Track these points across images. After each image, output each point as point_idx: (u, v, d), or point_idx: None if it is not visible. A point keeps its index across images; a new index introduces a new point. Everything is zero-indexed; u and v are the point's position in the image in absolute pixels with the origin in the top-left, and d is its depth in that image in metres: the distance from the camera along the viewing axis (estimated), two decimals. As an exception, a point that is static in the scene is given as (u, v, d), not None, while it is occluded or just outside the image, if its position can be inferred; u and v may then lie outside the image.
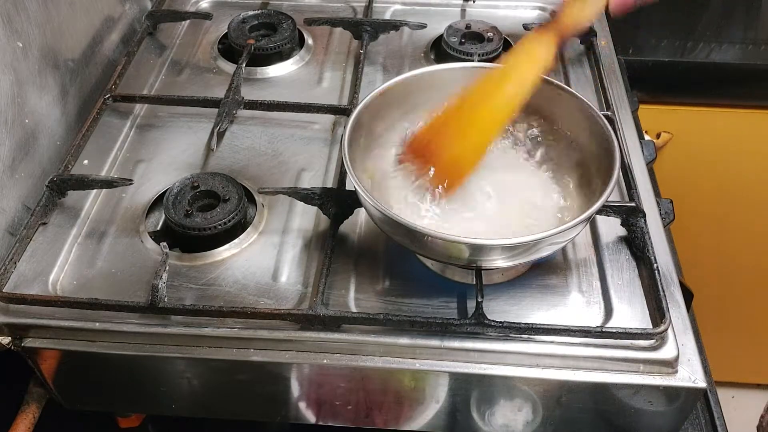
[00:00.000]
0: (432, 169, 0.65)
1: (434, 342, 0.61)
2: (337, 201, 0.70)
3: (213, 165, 0.78)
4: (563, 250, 0.69)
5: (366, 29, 0.93)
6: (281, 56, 0.92)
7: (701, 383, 0.60)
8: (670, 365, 0.60)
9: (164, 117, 0.85)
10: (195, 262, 0.69)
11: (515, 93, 0.64)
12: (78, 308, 0.63)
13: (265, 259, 0.69)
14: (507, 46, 0.93)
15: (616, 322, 0.63)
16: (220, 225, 0.68)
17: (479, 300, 0.61)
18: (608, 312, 0.64)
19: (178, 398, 0.69)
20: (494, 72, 0.65)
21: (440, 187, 0.65)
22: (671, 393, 0.61)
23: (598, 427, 0.66)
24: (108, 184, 0.74)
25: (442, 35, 0.91)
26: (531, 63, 0.64)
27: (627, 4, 0.61)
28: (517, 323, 0.60)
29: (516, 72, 0.64)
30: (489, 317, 0.60)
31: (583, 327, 0.61)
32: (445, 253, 0.60)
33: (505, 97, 0.64)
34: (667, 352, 0.60)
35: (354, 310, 0.64)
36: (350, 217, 0.70)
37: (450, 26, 0.92)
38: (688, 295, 0.68)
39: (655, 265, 0.65)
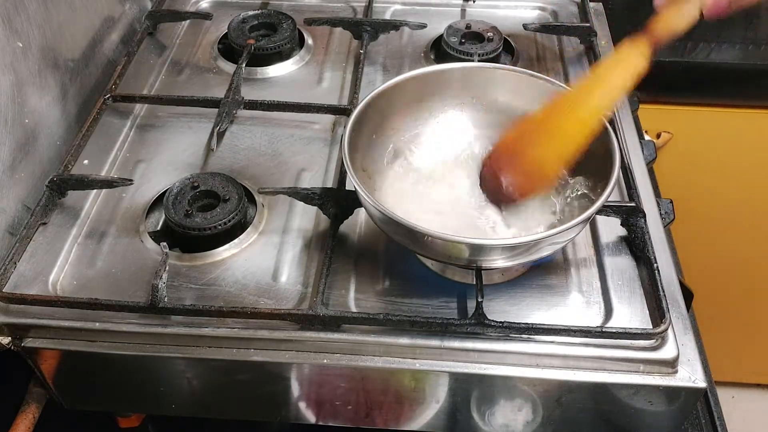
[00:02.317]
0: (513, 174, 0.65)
1: (434, 342, 0.61)
2: (337, 201, 0.70)
3: (213, 165, 0.78)
4: (563, 250, 0.69)
5: (366, 29, 0.93)
6: (281, 56, 0.92)
7: (701, 383, 0.60)
8: (670, 365, 0.60)
9: (164, 117, 0.85)
10: (195, 262, 0.69)
11: (607, 100, 0.64)
12: (78, 308, 0.63)
13: (265, 259, 0.69)
14: (507, 46, 0.93)
15: (616, 322, 0.63)
16: (220, 225, 0.68)
17: (479, 300, 0.61)
18: (608, 312, 0.64)
19: (178, 398, 0.69)
20: (586, 81, 0.65)
21: (510, 194, 0.65)
22: (671, 393, 0.61)
23: (598, 427, 0.66)
24: (108, 184, 0.74)
25: (442, 35, 0.91)
26: (624, 70, 0.63)
27: (721, 9, 0.60)
28: (517, 323, 0.60)
29: (608, 79, 0.64)
30: (489, 317, 0.60)
31: (583, 327, 0.61)
32: (445, 253, 0.60)
33: (596, 104, 0.64)
34: (667, 352, 0.60)
35: (354, 310, 0.64)
36: (350, 217, 0.70)
37: (450, 26, 0.92)
38: (688, 295, 0.68)
39: (655, 265, 0.65)
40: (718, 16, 0.61)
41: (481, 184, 0.68)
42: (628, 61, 0.63)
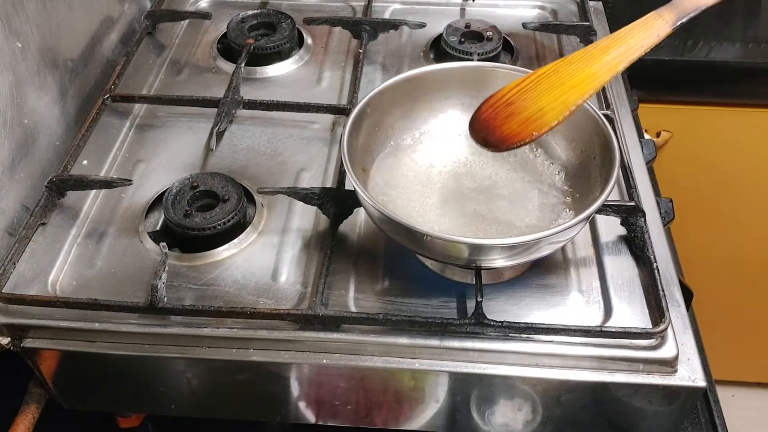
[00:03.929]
0: (504, 123, 0.63)
1: (434, 342, 0.61)
2: (337, 201, 0.70)
3: (212, 165, 0.78)
4: (563, 249, 0.69)
5: (365, 28, 0.93)
6: (280, 56, 0.92)
7: (701, 382, 0.60)
8: (669, 364, 0.60)
9: (163, 117, 0.85)
10: (194, 262, 0.68)
11: (622, 57, 0.62)
12: (77, 308, 0.63)
13: (264, 259, 0.69)
14: (506, 45, 0.93)
15: (616, 322, 0.63)
16: (219, 225, 0.68)
17: (479, 300, 0.61)
18: (608, 311, 0.64)
19: (177, 398, 0.69)
20: (603, 40, 0.64)
21: (509, 137, 0.62)
22: (671, 392, 0.61)
23: (597, 426, 0.66)
24: (107, 184, 0.74)
25: (441, 34, 0.91)
26: (645, 34, 0.62)
27: None
28: (517, 323, 0.60)
29: (628, 40, 0.62)
30: (489, 317, 0.60)
31: (582, 326, 0.61)
32: (444, 253, 0.60)
33: (611, 60, 0.62)
34: (666, 352, 0.60)
35: (353, 310, 0.64)
36: (350, 217, 0.70)
37: (449, 25, 0.92)
38: (687, 295, 0.68)
39: (654, 264, 0.65)
40: None
41: (471, 126, 0.65)
42: (650, 27, 0.62)
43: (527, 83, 0.64)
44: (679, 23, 0.62)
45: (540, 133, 0.61)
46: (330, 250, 0.67)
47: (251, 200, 0.74)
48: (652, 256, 0.66)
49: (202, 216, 0.69)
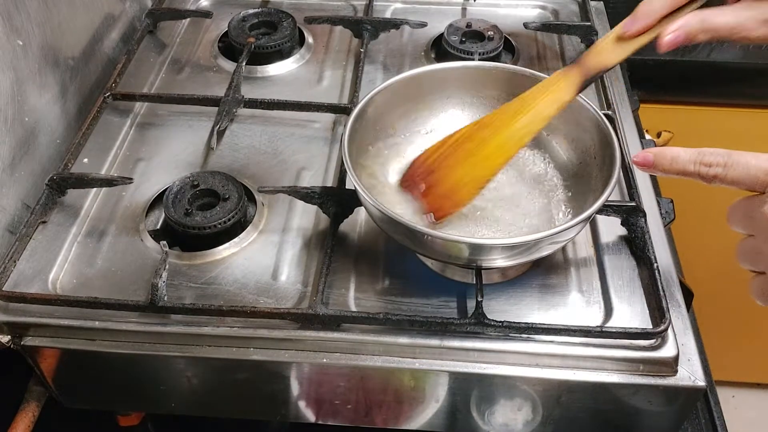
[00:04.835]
0: (427, 194, 0.65)
1: (434, 341, 0.61)
2: (337, 200, 0.70)
3: (213, 164, 0.78)
4: (563, 249, 0.69)
5: (366, 28, 0.93)
6: (281, 55, 0.92)
7: (701, 383, 0.60)
8: (670, 365, 0.60)
9: (164, 115, 0.85)
10: (195, 260, 0.68)
11: (529, 128, 0.63)
12: (77, 307, 0.63)
13: (264, 258, 0.69)
14: (508, 44, 0.93)
15: (616, 322, 0.63)
16: (219, 224, 0.68)
17: (479, 299, 0.61)
18: (608, 312, 0.64)
19: (177, 397, 0.69)
20: (511, 105, 0.64)
21: (431, 214, 0.65)
22: (671, 393, 0.61)
23: (597, 426, 0.66)
24: (108, 182, 0.74)
25: (442, 34, 0.91)
26: (551, 100, 0.63)
27: (678, 42, 0.60)
28: (517, 323, 0.60)
29: (534, 106, 0.63)
30: (489, 317, 0.60)
31: (583, 327, 0.61)
32: (444, 253, 0.60)
33: (517, 131, 0.63)
34: (667, 352, 0.60)
35: (354, 309, 0.64)
36: (350, 216, 0.70)
37: (450, 25, 0.92)
38: (688, 295, 0.68)
39: (655, 264, 0.65)
40: (673, 48, 0.60)
41: (400, 184, 0.68)
42: (556, 92, 0.63)
43: (446, 148, 0.66)
44: (584, 87, 0.62)
45: (458, 209, 0.64)
46: (330, 249, 0.67)
47: (252, 199, 0.74)
48: (652, 257, 0.66)
49: (202, 215, 0.69)
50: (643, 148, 0.80)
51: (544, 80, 0.64)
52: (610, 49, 0.62)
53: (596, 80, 0.67)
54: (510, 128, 0.63)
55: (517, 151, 0.63)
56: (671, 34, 0.59)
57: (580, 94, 0.67)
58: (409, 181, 0.67)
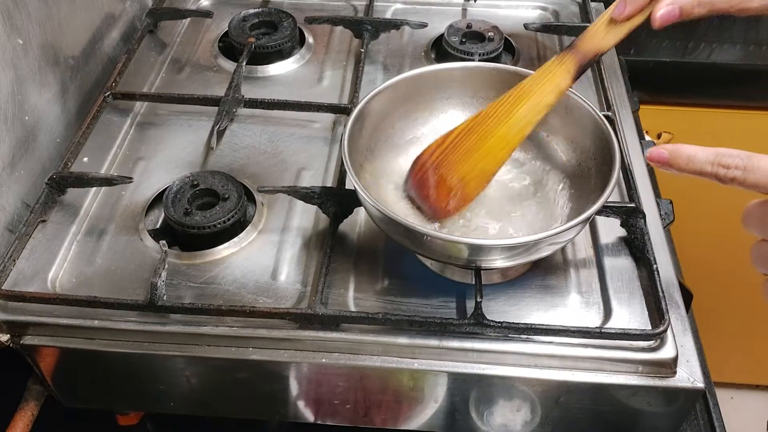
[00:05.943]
0: (433, 191, 0.65)
1: (433, 342, 0.61)
2: (337, 200, 0.70)
3: (213, 163, 0.78)
4: (563, 250, 0.69)
5: (367, 28, 0.93)
6: (282, 55, 0.92)
7: (700, 384, 0.60)
8: (668, 366, 0.60)
9: (164, 115, 0.85)
10: (194, 260, 0.68)
11: (528, 119, 0.63)
12: (77, 306, 0.63)
13: (264, 257, 0.69)
14: (508, 45, 0.93)
15: (615, 323, 0.63)
16: (219, 223, 0.68)
17: (478, 300, 0.61)
18: (607, 313, 0.64)
19: (176, 396, 0.69)
20: (509, 95, 0.64)
21: (439, 209, 0.65)
22: (670, 394, 0.61)
23: (596, 427, 0.66)
24: (107, 181, 0.74)
25: (442, 34, 0.91)
26: (548, 89, 0.62)
27: (673, 17, 0.59)
28: (516, 323, 0.60)
29: (532, 97, 0.63)
30: (488, 317, 0.60)
31: (582, 327, 0.61)
32: (444, 253, 0.60)
33: (518, 121, 0.63)
34: (666, 353, 0.60)
35: (353, 309, 0.64)
36: (350, 216, 0.70)
37: (451, 25, 0.92)
38: (687, 296, 0.68)
39: (654, 266, 0.65)
40: (669, 23, 0.60)
41: (405, 183, 0.68)
42: (554, 79, 0.62)
43: (448, 144, 0.66)
44: (580, 72, 0.62)
45: (467, 204, 0.64)
46: (330, 249, 0.67)
47: (251, 199, 0.74)
48: (651, 258, 0.66)
49: (202, 214, 0.69)
50: (643, 150, 0.80)
51: (540, 68, 0.64)
52: (603, 33, 0.62)
53: (592, 65, 0.67)
54: (511, 119, 0.63)
55: (521, 141, 0.63)
56: (665, 8, 0.59)
57: (580, 96, 0.67)
58: (414, 180, 0.67)
